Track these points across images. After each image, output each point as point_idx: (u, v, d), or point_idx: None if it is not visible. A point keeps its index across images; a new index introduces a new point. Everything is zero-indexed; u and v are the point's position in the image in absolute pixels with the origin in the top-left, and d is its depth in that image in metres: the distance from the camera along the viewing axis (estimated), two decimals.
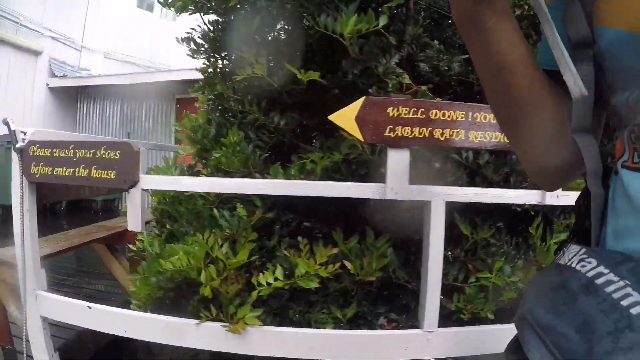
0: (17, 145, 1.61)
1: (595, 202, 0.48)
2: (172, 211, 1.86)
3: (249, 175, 1.65)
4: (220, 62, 2.17)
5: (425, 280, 1.38)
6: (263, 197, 1.53)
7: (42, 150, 1.60)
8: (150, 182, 1.52)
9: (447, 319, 1.50)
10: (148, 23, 11.01)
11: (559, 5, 0.49)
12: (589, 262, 0.39)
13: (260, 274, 1.41)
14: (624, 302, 0.34)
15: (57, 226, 7.34)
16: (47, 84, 8.68)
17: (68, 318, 1.69)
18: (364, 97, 1.36)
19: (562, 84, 0.47)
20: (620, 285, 0.35)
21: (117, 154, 1.43)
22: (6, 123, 1.62)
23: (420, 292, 1.45)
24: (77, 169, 1.52)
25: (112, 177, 1.45)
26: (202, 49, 2.13)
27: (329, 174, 1.59)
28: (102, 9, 10.01)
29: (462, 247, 1.57)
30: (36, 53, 8.36)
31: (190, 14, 2.05)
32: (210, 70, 2.15)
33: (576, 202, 0.54)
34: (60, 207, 8.21)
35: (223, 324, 1.42)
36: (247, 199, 1.57)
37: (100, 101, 9.37)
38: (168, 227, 1.88)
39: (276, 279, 1.39)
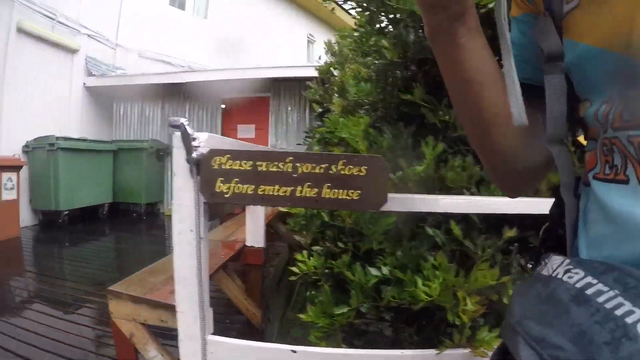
0: (194, 155, 1.23)
1: (569, 212, 0.52)
2: (356, 228, 1.58)
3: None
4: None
5: None
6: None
7: (238, 162, 1.22)
8: (398, 202, 1.26)
9: None
10: (180, 21, 10.75)
11: (529, 19, 0.54)
12: (576, 273, 0.41)
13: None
14: (618, 312, 0.35)
15: (100, 231, 7.03)
16: (84, 83, 8.28)
17: None
18: None
19: (536, 96, 0.52)
20: (611, 295, 0.36)
21: (363, 169, 1.20)
22: (179, 125, 1.24)
23: None
24: (299, 188, 1.20)
25: (355, 197, 1.19)
26: None
27: None
28: (135, 6, 9.67)
29: None
30: (73, 51, 7.97)
31: None
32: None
33: (550, 211, 0.58)
34: (102, 211, 7.82)
35: (464, 350, 1.34)
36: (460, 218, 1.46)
37: (139, 101, 8.98)
38: (328, 244, 1.66)
39: None
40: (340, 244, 1.59)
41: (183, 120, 1.23)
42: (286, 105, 8.40)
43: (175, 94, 8.86)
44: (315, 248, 1.69)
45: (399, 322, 1.70)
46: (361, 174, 1.21)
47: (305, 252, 1.60)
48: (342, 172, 1.20)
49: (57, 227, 6.80)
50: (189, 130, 1.23)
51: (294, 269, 1.60)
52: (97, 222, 7.59)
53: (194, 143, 1.24)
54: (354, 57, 2.45)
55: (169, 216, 8.28)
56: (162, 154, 8.50)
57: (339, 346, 1.50)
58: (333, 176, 1.20)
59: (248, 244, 2.66)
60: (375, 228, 1.50)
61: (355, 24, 2.26)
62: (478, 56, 0.50)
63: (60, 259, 5.38)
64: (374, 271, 1.42)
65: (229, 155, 1.24)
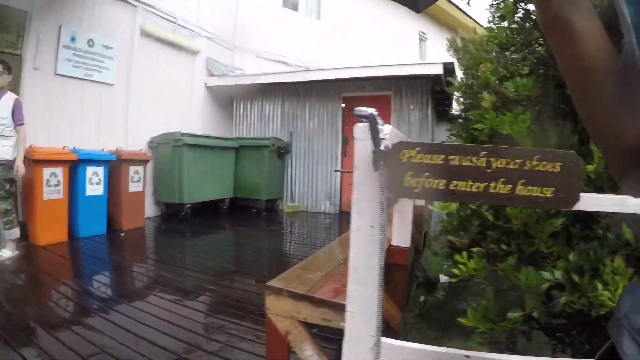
0: (382, 148, 1.16)
1: None
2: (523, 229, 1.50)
3: None
4: None
5: None
6: None
7: (429, 156, 1.13)
8: (591, 202, 1.16)
9: None
10: (294, 22, 10.88)
11: None
12: None
13: None
14: None
15: (219, 225, 7.13)
16: (206, 83, 8.57)
17: None
18: None
19: None
20: None
21: (558, 166, 1.11)
22: (368, 116, 1.16)
23: None
24: (493, 184, 1.13)
25: (548, 195, 1.10)
26: None
27: None
28: (250, 9, 9.92)
29: None
30: (194, 53, 8.27)
31: None
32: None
33: None
34: (222, 205, 7.97)
35: None
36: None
37: (258, 100, 9.12)
38: (490, 245, 1.61)
39: None
40: (503, 246, 1.55)
41: (371, 111, 1.16)
42: (408, 103, 8.00)
43: (294, 93, 8.88)
44: (475, 250, 1.62)
45: (571, 329, 1.65)
46: (555, 170, 1.13)
47: (465, 254, 1.54)
48: (537, 168, 1.12)
49: (179, 219, 7.01)
50: (379, 121, 1.16)
51: (455, 270, 1.54)
52: (217, 216, 7.72)
53: (381, 135, 1.18)
54: (486, 52, 2.38)
55: (288, 213, 8.43)
56: (283, 151, 8.52)
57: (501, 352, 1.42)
58: (527, 172, 1.12)
59: (394, 243, 2.60)
60: (544, 229, 1.45)
61: (490, 19, 2.34)
62: (595, 40, 0.48)
63: (181, 249, 5.46)
64: (546, 275, 1.37)
65: (419, 148, 1.15)
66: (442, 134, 5.66)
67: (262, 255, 5.32)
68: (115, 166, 5.91)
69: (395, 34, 12.84)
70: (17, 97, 4.41)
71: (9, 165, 4.31)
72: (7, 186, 4.33)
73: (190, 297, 3.40)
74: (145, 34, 7.09)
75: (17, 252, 4.35)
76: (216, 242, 6.02)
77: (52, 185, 5.08)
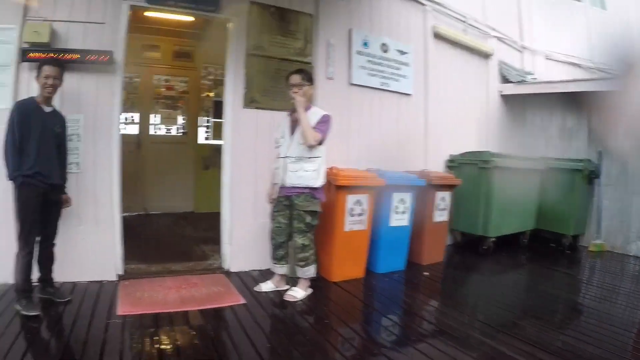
0: None
1: None
2: None
3: None
4: None
5: None
6: None
7: None
8: None
9: None
10: (579, 15, 8.98)
11: None
12: None
13: None
14: None
15: (519, 263, 5.53)
16: (500, 91, 7.04)
17: None
18: None
19: None
20: None
21: None
22: None
23: None
24: None
25: None
26: None
27: None
28: (533, 3, 8.26)
29: None
30: (486, 56, 6.87)
31: None
32: None
33: None
34: (523, 238, 6.33)
35: None
36: None
37: (558, 112, 7.15)
38: None
39: None
40: None
41: None
42: None
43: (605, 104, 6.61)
44: None
45: None
46: None
47: None
48: None
49: (478, 253, 5.69)
50: None
51: None
52: (517, 251, 6.21)
53: None
54: None
55: (592, 252, 6.15)
56: (593, 176, 6.43)
57: None
58: None
59: None
60: None
61: None
62: None
63: (474, 290, 4.55)
64: None
65: None
66: None
67: (556, 307, 3.94)
68: (421, 192, 4.77)
69: None
70: (325, 113, 3.65)
71: (311, 194, 3.60)
72: (308, 219, 3.62)
73: (469, 347, 2.85)
74: (438, 36, 6.00)
75: (309, 290, 3.77)
76: (509, 284, 4.83)
77: (355, 214, 4.21)
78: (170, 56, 7.01)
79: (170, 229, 5.98)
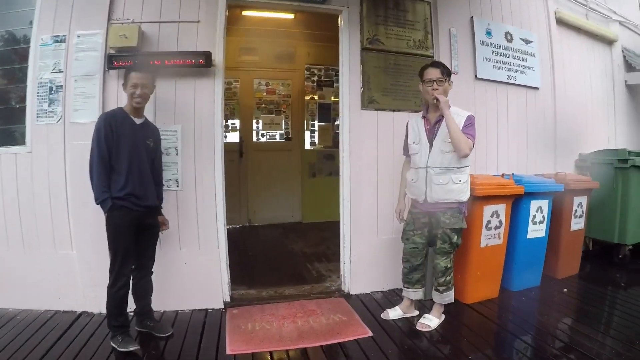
0: None
1: None
2: None
3: None
4: None
5: None
6: None
7: None
8: None
9: None
10: None
11: None
12: None
13: None
14: None
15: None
16: (626, 81, 6.25)
17: None
18: None
19: None
20: None
21: None
22: None
23: None
24: None
25: None
26: None
27: None
28: None
29: None
30: (610, 42, 6.10)
31: None
32: None
33: None
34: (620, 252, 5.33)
35: None
36: None
37: None
38: None
39: None
40: None
41: None
42: None
43: None
44: None
45: None
46: None
47: None
48: None
49: (612, 263, 5.02)
50: None
51: None
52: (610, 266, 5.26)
53: None
54: None
55: None
56: None
57: None
58: None
59: None
60: None
61: None
62: None
63: (621, 308, 3.76)
64: None
65: None
66: None
67: None
68: (557, 198, 4.18)
69: None
70: (470, 113, 3.14)
71: (458, 209, 3.14)
72: (455, 238, 3.16)
73: None
74: (560, 22, 5.34)
75: (443, 317, 3.33)
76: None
77: (492, 227, 3.71)
78: (271, 58, 6.73)
79: (278, 243, 5.68)
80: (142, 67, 2.94)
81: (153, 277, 3.05)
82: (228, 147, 6.36)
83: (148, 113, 3.07)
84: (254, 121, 6.80)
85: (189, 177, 3.49)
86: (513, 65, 4.66)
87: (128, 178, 2.70)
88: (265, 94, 6.83)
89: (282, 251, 5.27)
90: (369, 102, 3.92)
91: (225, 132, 6.46)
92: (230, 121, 6.63)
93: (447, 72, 3.14)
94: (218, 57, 3.52)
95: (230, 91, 6.52)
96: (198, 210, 3.52)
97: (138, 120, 2.87)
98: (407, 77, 4.00)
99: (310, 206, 6.77)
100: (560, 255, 4.41)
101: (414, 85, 3.78)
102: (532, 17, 5.02)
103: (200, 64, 3.39)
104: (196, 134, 3.50)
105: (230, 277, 3.67)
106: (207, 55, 3.40)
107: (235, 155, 6.50)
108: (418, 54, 4.09)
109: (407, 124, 3.36)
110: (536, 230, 4.05)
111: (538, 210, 4.01)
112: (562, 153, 5.14)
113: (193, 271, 3.49)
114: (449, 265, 3.19)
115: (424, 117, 3.23)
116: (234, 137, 6.68)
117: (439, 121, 3.09)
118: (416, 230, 3.26)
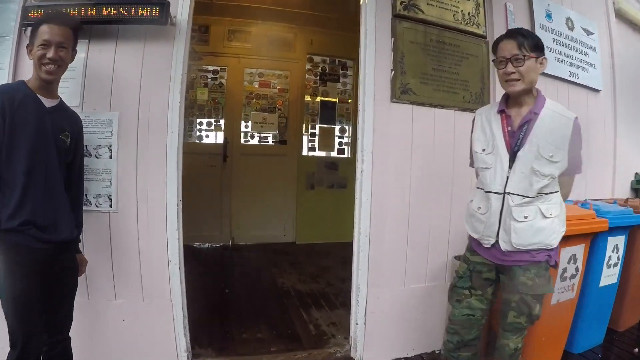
0: None
1: None
2: None
3: None
4: None
5: None
6: None
7: None
8: None
9: None
10: None
11: None
12: None
13: None
14: None
15: None
16: None
17: None
18: None
19: None
20: None
21: None
22: None
23: None
24: None
25: None
26: None
27: None
28: None
29: None
30: None
31: None
32: None
33: None
34: None
35: None
36: None
37: None
38: None
39: None
40: None
41: None
42: None
43: None
44: None
45: None
46: None
47: None
48: None
49: None
50: None
51: None
52: None
53: None
54: None
55: None
56: None
57: None
58: None
59: None
60: None
61: None
62: None
63: None
64: None
65: None
66: None
67: None
68: (632, 232, 3.25)
69: None
70: (575, 116, 1.97)
71: (546, 262, 2.01)
72: (537, 308, 2.02)
73: None
74: (619, 15, 4.42)
75: None
76: None
77: (566, 278, 2.74)
78: (266, 45, 5.65)
79: (265, 274, 4.55)
80: (58, 18, 1.87)
81: (73, 342, 2.00)
82: (209, 149, 5.46)
83: (72, 94, 2.02)
84: (243, 119, 5.77)
85: (128, 191, 2.40)
86: (575, 59, 3.67)
87: (26, 195, 1.69)
88: (257, 86, 5.76)
89: (269, 287, 4.16)
90: (402, 91, 2.83)
91: (207, 130, 5.50)
92: (213, 118, 5.59)
93: (531, 45, 1.95)
94: (182, 12, 2.43)
95: (215, 82, 5.50)
96: (141, 243, 2.41)
97: (48, 102, 1.82)
98: (453, 61, 2.96)
99: (306, 224, 5.75)
100: (625, 302, 3.46)
101: (463, 73, 2.83)
102: (592, 5, 4.08)
103: (153, 16, 2.27)
104: (141, 126, 2.39)
105: (190, 338, 2.58)
106: (164, 5, 2.29)
107: (218, 160, 5.47)
108: (467, 31, 3.05)
109: (474, 120, 2.22)
110: (609, 275, 3.10)
111: (614, 250, 3.05)
112: (620, 172, 4.20)
113: (135, 331, 2.42)
114: (519, 346, 2.11)
115: (501, 111, 2.09)
116: (217, 138, 5.64)
117: (528, 122, 1.97)
118: (476, 289, 2.15)
